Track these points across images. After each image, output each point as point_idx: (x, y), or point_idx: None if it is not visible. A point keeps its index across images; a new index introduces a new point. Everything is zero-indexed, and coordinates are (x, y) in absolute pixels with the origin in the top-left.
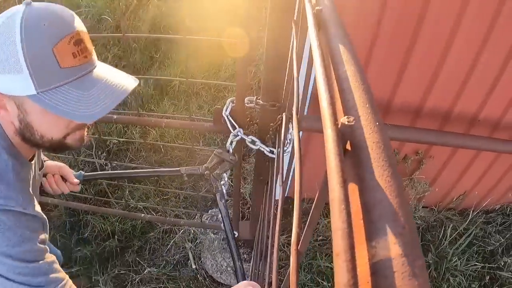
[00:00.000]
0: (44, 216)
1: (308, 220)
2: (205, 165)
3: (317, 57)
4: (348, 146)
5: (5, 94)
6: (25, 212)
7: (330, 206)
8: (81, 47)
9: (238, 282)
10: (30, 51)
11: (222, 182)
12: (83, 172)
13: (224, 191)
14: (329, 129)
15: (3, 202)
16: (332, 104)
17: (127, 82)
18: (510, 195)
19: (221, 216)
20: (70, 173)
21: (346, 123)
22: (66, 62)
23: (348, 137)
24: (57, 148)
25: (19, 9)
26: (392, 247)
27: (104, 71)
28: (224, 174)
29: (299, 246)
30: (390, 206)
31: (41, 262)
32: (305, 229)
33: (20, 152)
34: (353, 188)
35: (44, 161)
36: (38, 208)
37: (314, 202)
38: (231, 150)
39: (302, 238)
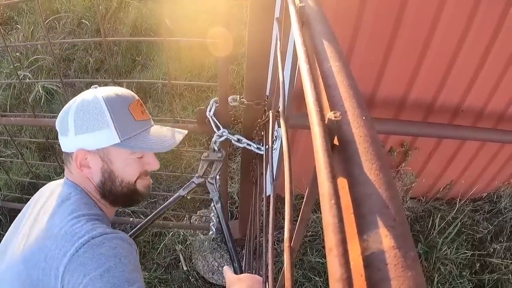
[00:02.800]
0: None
1: (300, 216)
2: (196, 174)
3: (301, 54)
4: (335, 141)
5: (91, 150)
6: (129, 241)
7: (320, 201)
8: (144, 108)
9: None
10: (113, 110)
11: (216, 186)
12: None
13: (218, 194)
14: (316, 125)
15: (112, 230)
16: (318, 100)
17: (177, 130)
18: (496, 183)
19: (220, 220)
20: None
21: (333, 118)
22: (139, 116)
23: (335, 133)
24: (130, 198)
25: (90, 90)
26: (384, 240)
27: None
28: (217, 177)
29: (292, 242)
30: (380, 199)
31: None
32: (297, 226)
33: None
34: (342, 183)
35: None
36: None
37: (305, 198)
38: (216, 149)
39: (294, 234)
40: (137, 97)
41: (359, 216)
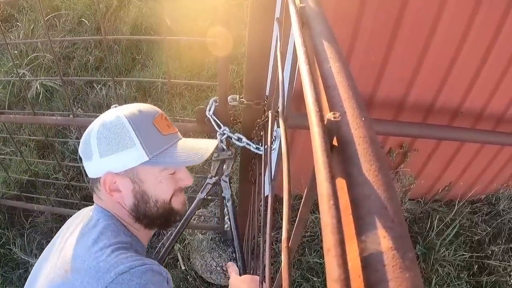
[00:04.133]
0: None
1: (298, 216)
2: (209, 175)
3: (301, 55)
4: (334, 142)
5: (120, 172)
6: (160, 270)
7: (319, 202)
8: (170, 122)
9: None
10: (137, 127)
11: (229, 184)
12: None
13: (230, 192)
14: (315, 126)
15: (140, 262)
16: (318, 101)
17: (207, 141)
18: (495, 185)
19: (229, 218)
20: None
21: (332, 119)
22: (165, 130)
23: (334, 133)
24: (166, 218)
25: (110, 111)
26: (382, 241)
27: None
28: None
29: (290, 242)
30: (378, 200)
31: None
32: (295, 226)
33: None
34: (341, 184)
35: None
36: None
37: (303, 199)
38: (224, 148)
39: (292, 234)
40: (160, 111)
41: (357, 217)
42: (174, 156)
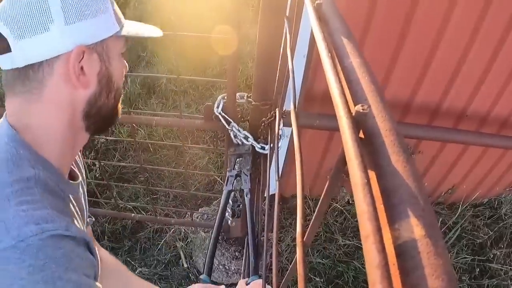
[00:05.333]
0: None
1: (316, 211)
2: (228, 169)
3: (323, 50)
4: (361, 135)
5: (90, 45)
6: (66, 234)
7: (353, 191)
8: None
9: (251, 275)
10: None
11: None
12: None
13: (249, 186)
14: (344, 117)
15: (43, 225)
16: (344, 93)
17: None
18: (497, 189)
19: (247, 212)
20: None
21: (361, 111)
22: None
23: (361, 126)
24: (113, 115)
25: None
26: (415, 229)
27: None
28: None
29: (304, 237)
30: (409, 190)
31: None
32: (312, 220)
33: (62, 171)
34: (370, 175)
35: None
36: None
37: (323, 194)
38: (240, 143)
39: (308, 230)
40: None
41: (389, 207)
42: (134, 26)
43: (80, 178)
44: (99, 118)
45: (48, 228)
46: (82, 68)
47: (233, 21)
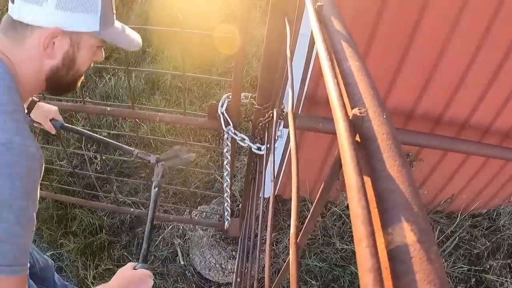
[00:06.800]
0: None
1: (311, 212)
2: (157, 155)
3: (322, 52)
4: (357, 138)
5: (66, 30)
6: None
7: (347, 194)
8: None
9: (139, 262)
10: None
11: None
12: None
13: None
14: (341, 120)
15: (27, 141)
16: (341, 96)
17: (134, 32)
18: (496, 200)
19: (150, 202)
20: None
21: (358, 114)
22: (114, 8)
23: (357, 129)
24: (68, 88)
25: None
26: (408, 234)
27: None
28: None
29: (298, 239)
30: (403, 195)
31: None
32: (306, 222)
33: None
34: (365, 178)
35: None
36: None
37: (318, 195)
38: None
39: (302, 231)
40: None
41: (382, 210)
42: (118, 35)
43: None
44: (57, 85)
45: (29, 144)
46: (54, 43)
47: (241, 22)
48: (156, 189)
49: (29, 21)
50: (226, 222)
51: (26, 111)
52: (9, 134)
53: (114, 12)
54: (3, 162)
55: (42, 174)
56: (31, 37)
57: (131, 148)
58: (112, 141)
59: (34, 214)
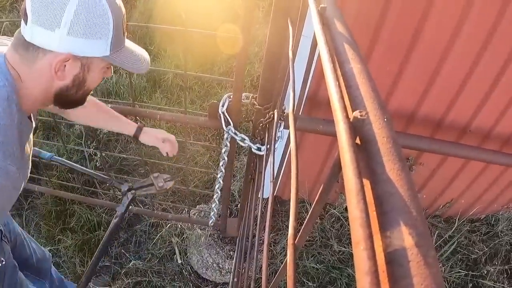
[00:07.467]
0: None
1: (309, 213)
2: (130, 184)
3: (324, 53)
4: (357, 141)
5: (77, 55)
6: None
7: (346, 197)
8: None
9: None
10: (116, 20)
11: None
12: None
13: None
14: (342, 122)
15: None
16: (343, 98)
17: (144, 51)
18: (495, 206)
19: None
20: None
21: (359, 117)
22: (126, 30)
23: (358, 132)
24: (76, 103)
25: None
26: (406, 237)
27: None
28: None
29: (296, 240)
30: (402, 199)
31: None
32: (304, 223)
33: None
34: (365, 181)
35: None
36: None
37: (317, 197)
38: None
39: (300, 232)
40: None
41: (381, 214)
42: (127, 58)
43: (34, 124)
44: (65, 101)
45: (6, 161)
46: (64, 66)
47: (244, 22)
48: (117, 219)
49: (41, 44)
50: (211, 221)
51: (33, 123)
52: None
53: (125, 34)
54: None
55: (20, 190)
56: (42, 59)
57: (106, 177)
58: (89, 170)
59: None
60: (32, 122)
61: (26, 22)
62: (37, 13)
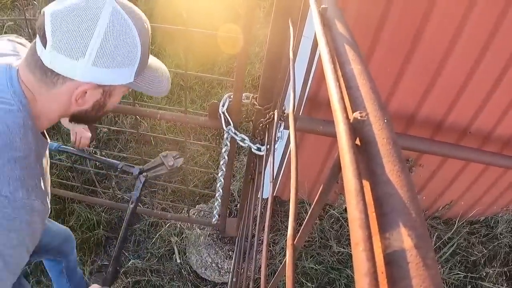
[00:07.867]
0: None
1: (309, 214)
2: (141, 167)
3: (325, 54)
4: (357, 142)
5: (101, 84)
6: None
7: (346, 198)
8: None
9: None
10: (143, 46)
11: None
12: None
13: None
14: (341, 123)
15: (31, 197)
16: (343, 99)
17: (164, 66)
18: (495, 208)
19: (124, 220)
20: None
21: (359, 118)
22: (149, 51)
23: (358, 133)
24: (90, 123)
25: (114, 9)
26: (405, 239)
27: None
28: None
29: (295, 240)
30: (401, 200)
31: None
32: (304, 224)
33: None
34: (364, 182)
35: None
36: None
37: (316, 197)
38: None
39: (299, 233)
40: None
41: (381, 215)
42: (150, 80)
43: (48, 140)
44: (82, 120)
45: (32, 199)
46: (85, 93)
47: (245, 22)
48: (133, 205)
49: (62, 72)
50: (214, 219)
51: (47, 139)
52: (13, 186)
53: (149, 56)
54: (2, 215)
55: (45, 220)
56: (62, 86)
57: (116, 162)
58: (98, 156)
59: (28, 255)
60: (47, 138)
61: (44, 46)
62: (59, 40)
